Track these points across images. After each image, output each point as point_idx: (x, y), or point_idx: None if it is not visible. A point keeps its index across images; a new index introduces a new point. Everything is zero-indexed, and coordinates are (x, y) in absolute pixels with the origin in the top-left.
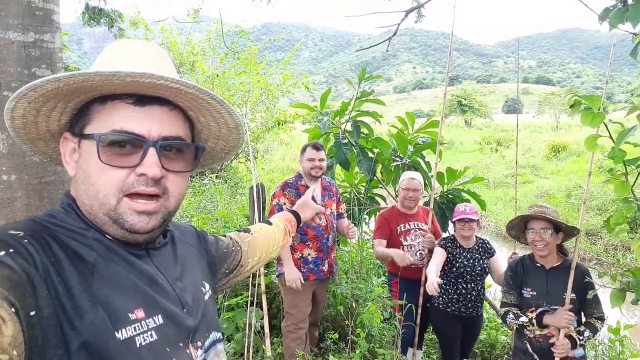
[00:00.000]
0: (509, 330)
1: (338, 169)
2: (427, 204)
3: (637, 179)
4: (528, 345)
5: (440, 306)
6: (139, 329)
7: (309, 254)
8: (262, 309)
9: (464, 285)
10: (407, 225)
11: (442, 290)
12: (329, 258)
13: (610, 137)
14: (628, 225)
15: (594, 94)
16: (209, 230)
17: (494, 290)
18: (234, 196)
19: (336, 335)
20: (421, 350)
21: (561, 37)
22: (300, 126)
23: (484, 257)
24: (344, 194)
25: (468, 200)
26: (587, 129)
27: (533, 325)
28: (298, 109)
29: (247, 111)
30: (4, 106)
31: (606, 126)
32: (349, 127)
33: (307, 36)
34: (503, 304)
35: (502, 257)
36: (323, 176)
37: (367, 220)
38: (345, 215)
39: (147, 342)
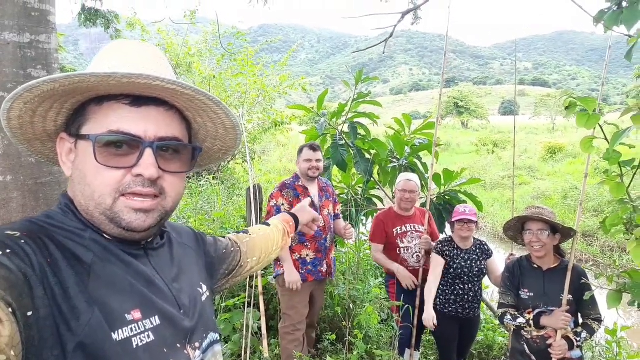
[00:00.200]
0: (506, 332)
1: (335, 170)
2: (424, 205)
3: (632, 180)
4: (525, 347)
5: (438, 307)
6: (135, 330)
7: (307, 255)
8: (259, 310)
9: (462, 286)
10: (403, 228)
11: (440, 291)
12: (328, 259)
13: (606, 138)
14: (624, 226)
15: (589, 95)
16: (206, 232)
17: (491, 292)
18: (231, 197)
19: (334, 337)
20: (418, 351)
21: (557, 39)
22: (297, 127)
23: (481, 259)
24: (341, 195)
25: (465, 202)
26: (582, 130)
27: (530, 326)
28: (295, 110)
29: (244, 112)
30: (0, 107)
31: (601, 128)
32: (346, 128)
33: (304, 38)
34: (500, 305)
35: (499, 258)
36: (320, 177)
37: (364, 222)
38: (341, 216)
39: (144, 343)
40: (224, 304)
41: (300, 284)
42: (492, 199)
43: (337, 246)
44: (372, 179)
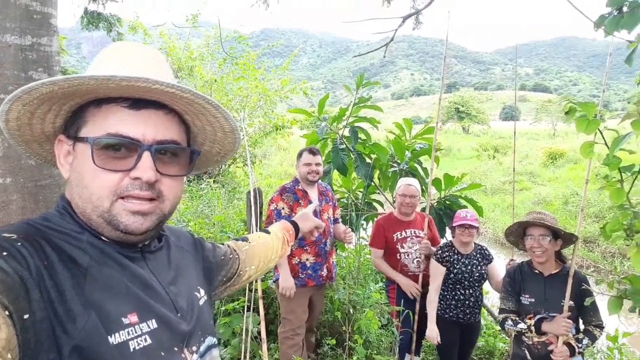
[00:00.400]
0: (507, 337)
1: (335, 174)
2: (424, 210)
3: (632, 186)
4: (526, 352)
5: (438, 312)
6: (132, 334)
7: (307, 259)
8: (259, 315)
9: (462, 292)
10: (403, 233)
11: (440, 297)
12: (328, 263)
13: (606, 144)
14: (624, 232)
15: (590, 101)
16: (206, 236)
17: (491, 297)
18: (232, 201)
19: (333, 341)
20: (418, 356)
21: (558, 45)
22: (298, 131)
23: (482, 264)
24: (342, 200)
25: (465, 207)
26: (583, 136)
27: (531, 332)
28: (296, 115)
29: (245, 116)
30: None
31: (601, 133)
32: (346, 132)
33: (305, 42)
34: (501, 311)
35: (500, 263)
36: (319, 181)
37: (364, 226)
38: (341, 220)
39: (141, 346)
40: (223, 308)
41: (293, 291)
42: (492, 204)
43: (337, 250)
44: (372, 183)
